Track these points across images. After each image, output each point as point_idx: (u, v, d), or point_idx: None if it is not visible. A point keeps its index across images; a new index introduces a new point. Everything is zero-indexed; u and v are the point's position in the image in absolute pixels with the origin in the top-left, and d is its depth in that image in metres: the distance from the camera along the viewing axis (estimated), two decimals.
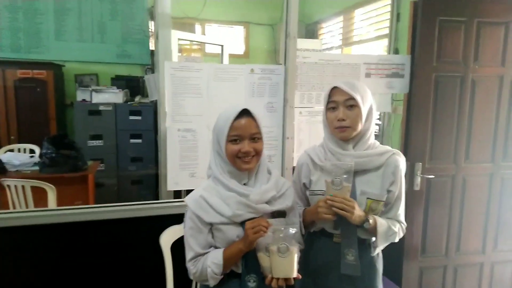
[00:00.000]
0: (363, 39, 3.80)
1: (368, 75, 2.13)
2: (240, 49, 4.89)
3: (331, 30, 4.42)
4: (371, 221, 1.33)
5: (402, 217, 1.45)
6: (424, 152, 2.20)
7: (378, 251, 1.44)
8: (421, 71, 2.13)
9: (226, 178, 1.27)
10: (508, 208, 2.38)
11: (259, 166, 1.31)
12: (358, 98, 1.34)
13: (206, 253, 1.27)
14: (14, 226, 1.82)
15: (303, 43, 3.61)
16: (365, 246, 1.43)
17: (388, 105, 2.26)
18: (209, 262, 1.24)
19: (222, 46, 3.39)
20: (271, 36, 4.75)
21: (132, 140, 4.06)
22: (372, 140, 1.42)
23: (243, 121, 1.24)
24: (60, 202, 2.63)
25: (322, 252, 1.46)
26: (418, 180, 2.20)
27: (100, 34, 4.34)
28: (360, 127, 1.37)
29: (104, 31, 4.35)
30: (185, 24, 4.42)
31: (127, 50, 4.44)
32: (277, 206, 1.30)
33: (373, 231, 1.36)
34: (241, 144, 1.24)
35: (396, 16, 2.80)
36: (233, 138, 1.24)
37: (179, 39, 3.04)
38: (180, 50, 4.32)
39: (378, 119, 3.37)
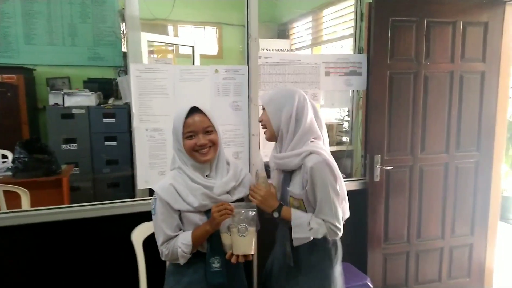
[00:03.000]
0: (331, 39, 3.93)
1: (327, 73, 2.25)
2: (213, 50, 4.96)
3: (301, 30, 4.54)
4: (282, 211, 1.47)
5: (330, 217, 1.44)
6: (382, 144, 2.34)
7: (297, 242, 1.46)
8: (376, 69, 2.26)
9: (190, 171, 1.39)
10: (463, 195, 2.55)
11: (218, 158, 1.45)
12: (267, 107, 1.53)
13: (176, 235, 1.39)
14: None
15: (272, 43, 3.73)
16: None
17: (348, 102, 2.39)
18: (179, 243, 1.37)
19: (192, 47, 3.46)
20: (243, 36, 4.84)
21: (107, 143, 4.05)
22: (298, 141, 1.47)
23: (195, 117, 1.38)
24: (35, 206, 2.64)
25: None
26: (378, 171, 2.34)
27: (71, 37, 4.32)
28: (273, 128, 1.51)
29: (75, 34, 4.34)
30: (158, 26, 4.46)
31: (99, 53, 4.44)
32: (237, 195, 1.45)
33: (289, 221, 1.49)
34: (196, 139, 1.37)
35: (360, 16, 2.93)
36: (188, 134, 1.37)
37: (148, 41, 3.09)
38: (153, 52, 4.37)
39: (347, 115, 3.52)
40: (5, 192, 2.62)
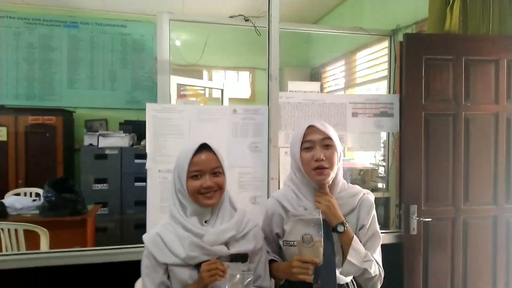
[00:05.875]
0: (365, 81, 3.82)
1: (355, 114, 2.11)
2: (245, 93, 5.00)
3: (334, 74, 4.48)
4: (347, 225, 1.29)
5: (380, 261, 1.36)
6: (419, 193, 2.10)
7: (347, 269, 1.27)
8: (409, 110, 2.09)
9: (184, 217, 1.23)
10: None
11: (222, 203, 1.28)
12: (334, 137, 1.32)
13: None
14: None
15: (301, 86, 3.65)
16: None
17: (378, 145, 2.21)
18: None
19: (222, 90, 3.47)
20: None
21: (136, 184, 4.07)
22: (342, 180, 1.40)
23: (203, 156, 1.23)
24: (58, 245, 2.59)
25: None
26: (414, 223, 2.08)
27: (110, 82, 4.54)
28: (336, 168, 1.32)
29: (115, 79, 4.55)
30: (192, 71, 4.58)
31: (136, 96, 4.61)
32: (237, 248, 1.23)
33: (348, 245, 1.28)
34: (202, 180, 1.21)
35: (394, 57, 2.82)
36: (194, 174, 1.22)
37: (178, 84, 3.12)
38: (185, 96, 4.45)
39: (382, 159, 3.30)
40: (27, 231, 2.61)
